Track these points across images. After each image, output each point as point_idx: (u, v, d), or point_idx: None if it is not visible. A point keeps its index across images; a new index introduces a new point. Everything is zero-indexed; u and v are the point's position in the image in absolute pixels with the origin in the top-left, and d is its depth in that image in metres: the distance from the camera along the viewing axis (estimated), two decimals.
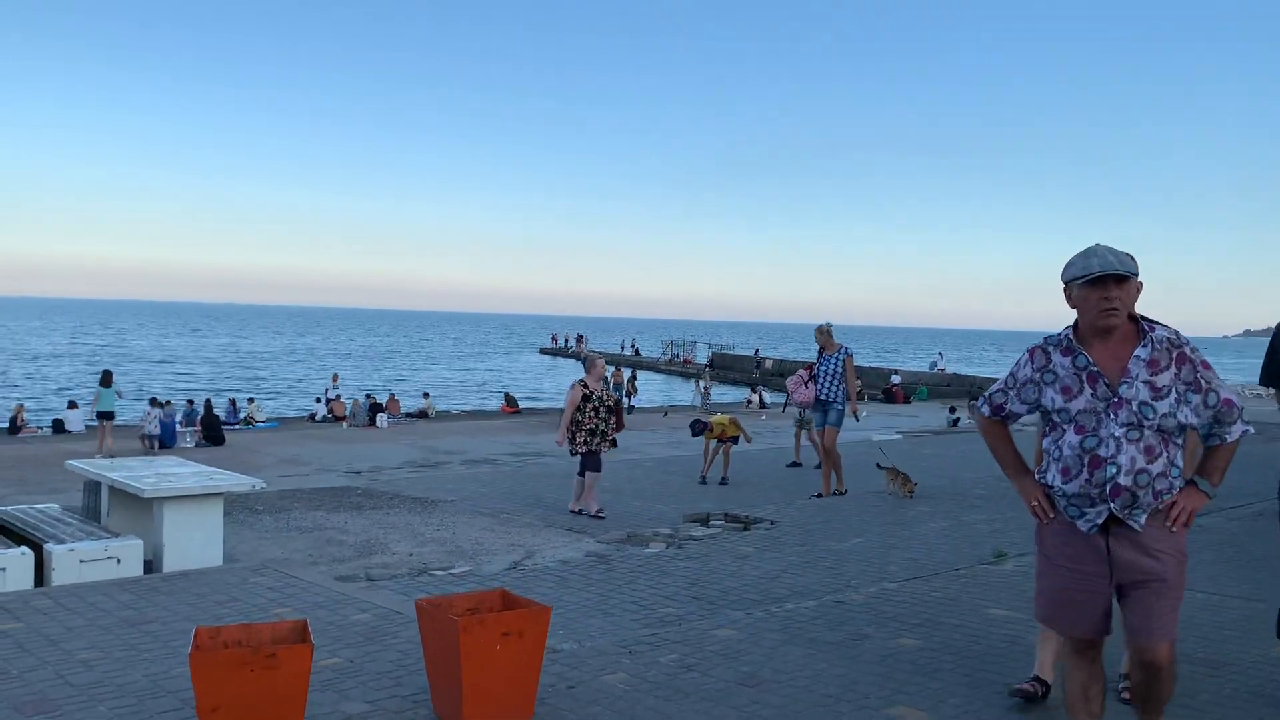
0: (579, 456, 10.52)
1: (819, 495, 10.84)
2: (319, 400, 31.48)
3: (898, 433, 22.27)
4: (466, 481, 12.78)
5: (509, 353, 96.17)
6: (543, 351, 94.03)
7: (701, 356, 69.07)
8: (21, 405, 27.12)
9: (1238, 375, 69.01)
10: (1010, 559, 7.11)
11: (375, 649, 4.92)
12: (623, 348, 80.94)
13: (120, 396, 20.82)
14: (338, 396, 31.37)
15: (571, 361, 75.12)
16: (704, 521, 9.22)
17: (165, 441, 19.10)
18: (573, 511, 10.36)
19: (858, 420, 11.95)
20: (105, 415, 19.26)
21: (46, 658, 4.77)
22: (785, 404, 12.24)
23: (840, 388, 10.92)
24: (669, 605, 6.05)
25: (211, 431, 20.06)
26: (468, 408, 40.06)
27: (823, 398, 11.05)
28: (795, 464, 14.29)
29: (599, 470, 10.51)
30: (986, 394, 3.57)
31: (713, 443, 12.71)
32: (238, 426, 29.12)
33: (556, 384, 49.14)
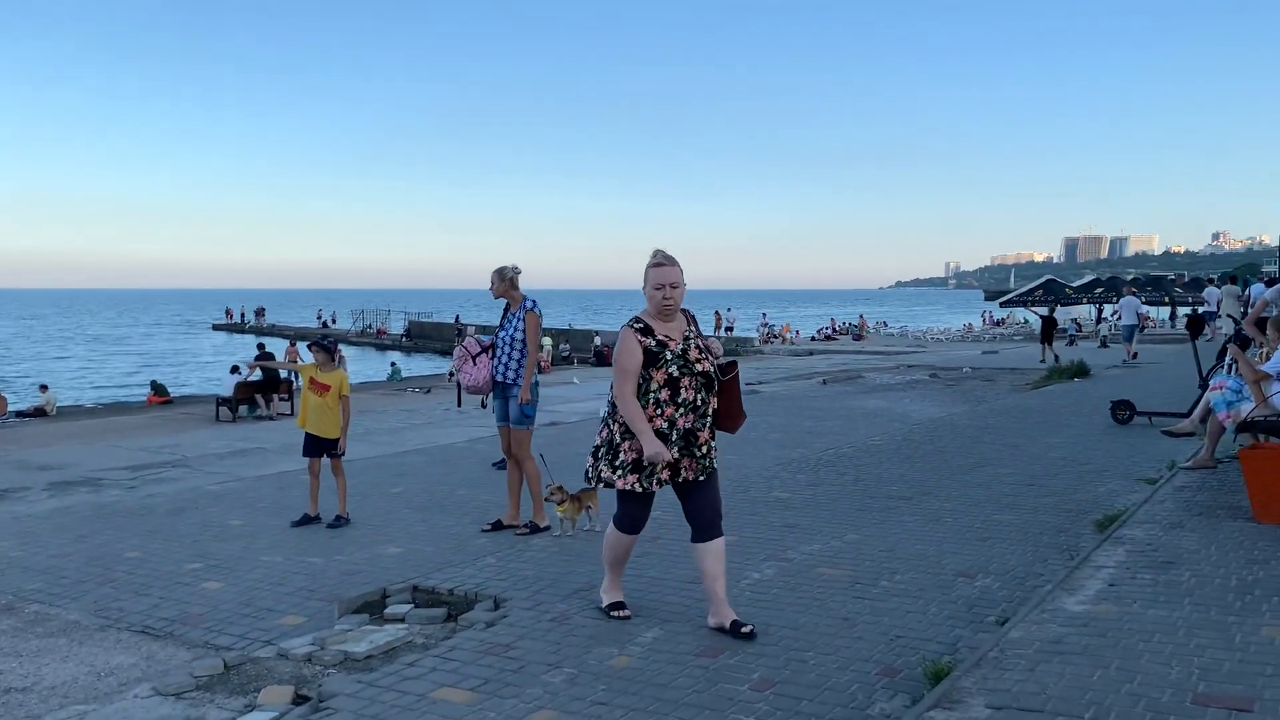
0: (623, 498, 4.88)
1: (525, 529, 7.24)
2: None
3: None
4: (8, 536, 8.09)
5: (175, 332, 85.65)
6: (216, 328, 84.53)
7: (397, 326, 63.90)
8: None
9: (901, 322, 73.25)
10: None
11: None
12: (321, 320, 73.88)
13: None
14: None
15: (250, 338, 67.40)
16: (378, 608, 5.36)
17: None
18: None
19: (528, 413, 7.29)
20: None
21: None
22: (458, 392, 7.62)
23: (522, 362, 7.31)
24: None
25: None
26: (109, 399, 33.32)
27: (500, 378, 7.34)
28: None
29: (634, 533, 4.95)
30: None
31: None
32: None
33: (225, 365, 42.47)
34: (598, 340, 39.51)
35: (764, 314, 60.79)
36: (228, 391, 21.28)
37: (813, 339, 49.34)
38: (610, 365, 4.82)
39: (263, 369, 21.60)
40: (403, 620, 4.99)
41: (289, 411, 21.31)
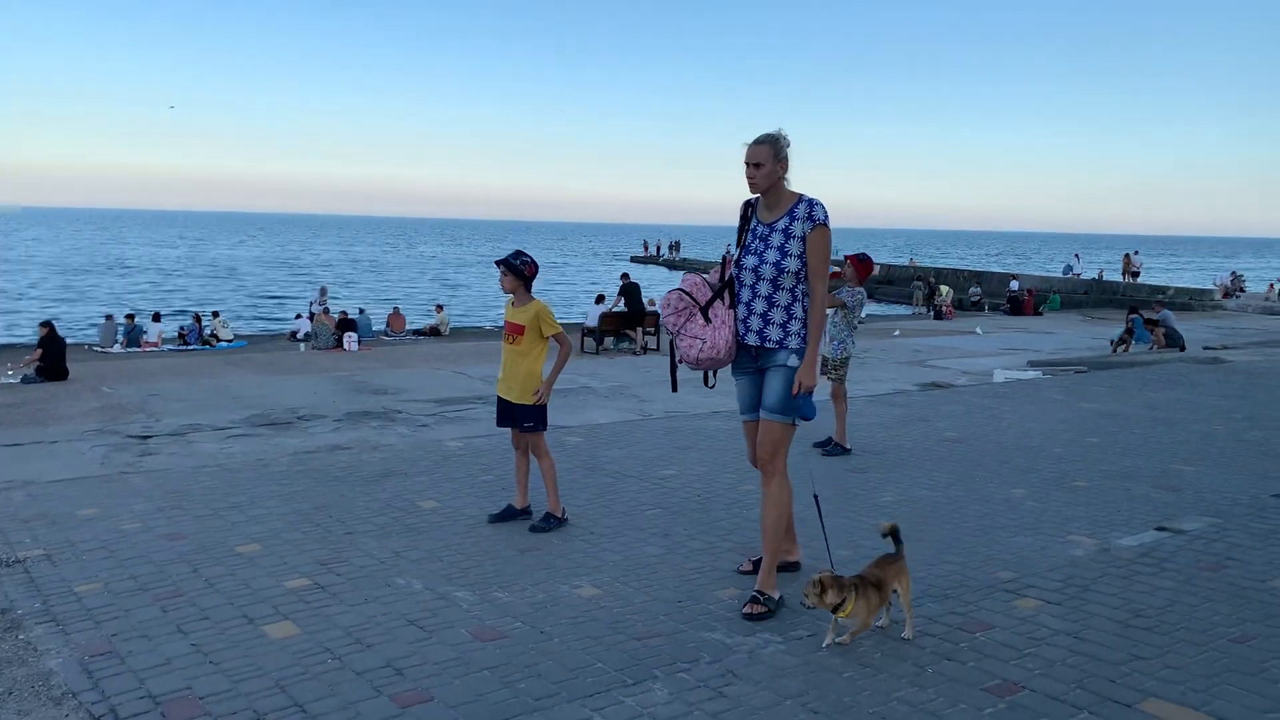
0: None
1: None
2: (298, 316, 25.85)
3: (1030, 364, 15.03)
4: (166, 494, 6.55)
5: (594, 262, 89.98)
6: (634, 260, 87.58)
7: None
8: None
9: None
10: None
11: None
12: (727, 254, 73.67)
13: None
14: (325, 310, 25.69)
15: (664, 271, 68.58)
16: None
17: None
18: None
19: (804, 412, 4.09)
20: None
21: None
22: (671, 365, 4.35)
23: (794, 313, 4.14)
24: None
25: (51, 361, 14.45)
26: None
27: (756, 339, 4.18)
28: (831, 447, 7.75)
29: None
30: None
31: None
32: (195, 347, 23.83)
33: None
34: (1015, 284, 34.30)
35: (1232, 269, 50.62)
36: (592, 322, 20.05)
37: None
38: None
39: (627, 299, 20.19)
40: None
41: (655, 346, 19.71)
